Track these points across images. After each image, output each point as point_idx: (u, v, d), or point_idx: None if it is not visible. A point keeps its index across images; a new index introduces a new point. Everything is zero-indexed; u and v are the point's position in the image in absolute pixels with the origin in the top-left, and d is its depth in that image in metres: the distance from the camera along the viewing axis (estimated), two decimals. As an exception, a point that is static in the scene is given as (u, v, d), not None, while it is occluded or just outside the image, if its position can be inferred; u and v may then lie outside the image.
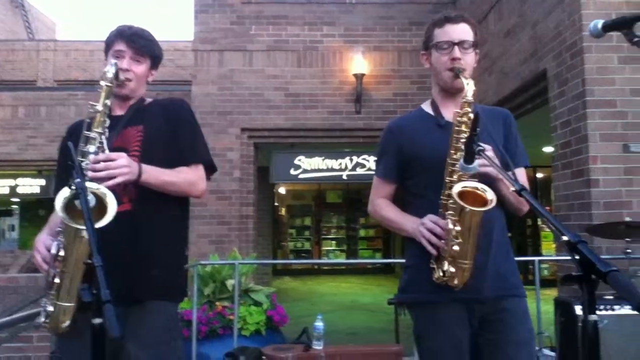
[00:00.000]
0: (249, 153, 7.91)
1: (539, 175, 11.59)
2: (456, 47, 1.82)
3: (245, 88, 7.84)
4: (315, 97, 7.80)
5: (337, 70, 7.86)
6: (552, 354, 3.47)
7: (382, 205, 1.98)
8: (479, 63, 6.81)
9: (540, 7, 5.57)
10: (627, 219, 3.71)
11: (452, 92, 1.86)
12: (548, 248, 11.75)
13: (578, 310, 2.76)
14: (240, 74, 7.88)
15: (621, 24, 1.59)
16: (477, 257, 1.69)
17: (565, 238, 1.19)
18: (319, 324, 4.44)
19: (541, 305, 4.80)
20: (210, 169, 2.10)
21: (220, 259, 6.09)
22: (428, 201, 1.77)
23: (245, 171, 7.80)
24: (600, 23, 1.62)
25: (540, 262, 4.98)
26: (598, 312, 2.76)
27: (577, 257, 1.15)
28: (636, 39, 1.55)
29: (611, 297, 2.93)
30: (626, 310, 2.81)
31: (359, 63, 7.64)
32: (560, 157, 5.17)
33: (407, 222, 1.84)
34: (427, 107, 1.97)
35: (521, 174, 1.89)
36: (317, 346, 4.36)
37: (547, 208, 6.18)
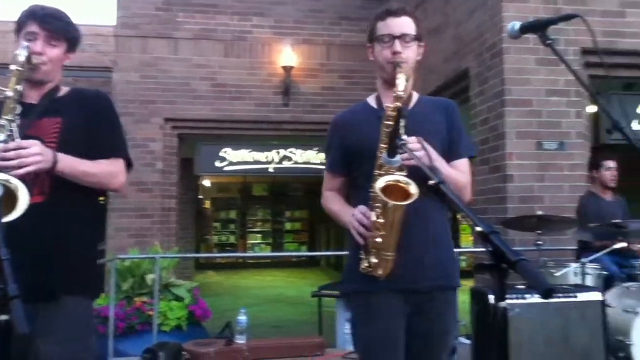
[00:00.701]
0: (172, 144, 7.67)
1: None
2: (397, 41, 1.84)
3: (170, 77, 7.59)
4: (243, 88, 7.68)
5: (265, 62, 7.77)
6: (468, 341, 3.60)
7: (329, 197, 2.01)
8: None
9: (463, 8, 5.75)
10: (539, 212, 3.89)
11: (393, 84, 1.86)
12: (466, 240, 12.21)
13: (492, 299, 2.86)
14: (165, 62, 7.62)
15: (536, 27, 1.66)
16: (410, 247, 1.72)
17: (478, 229, 1.23)
18: (242, 317, 4.39)
19: (459, 295, 4.98)
20: (128, 165, 2.03)
21: (140, 253, 5.87)
22: (364, 193, 1.77)
23: (168, 162, 7.57)
24: (517, 25, 1.69)
25: (459, 253, 5.15)
26: (510, 301, 2.88)
27: (489, 247, 1.20)
28: (549, 42, 1.62)
29: (522, 286, 3.06)
30: (536, 298, 2.95)
31: (288, 55, 7.59)
32: (479, 153, 5.37)
33: (345, 214, 1.85)
34: (371, 100, 1.99)
35: (463, 164, 1.92)
36: (240, 340, 4.31)
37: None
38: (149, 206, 7.32)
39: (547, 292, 1.08)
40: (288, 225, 15.93)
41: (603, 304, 3.13)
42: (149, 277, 5.25)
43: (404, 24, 1.86)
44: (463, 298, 4.91)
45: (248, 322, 4.43)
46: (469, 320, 3.38)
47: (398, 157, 1.62)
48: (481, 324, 2.92)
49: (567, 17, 1.71)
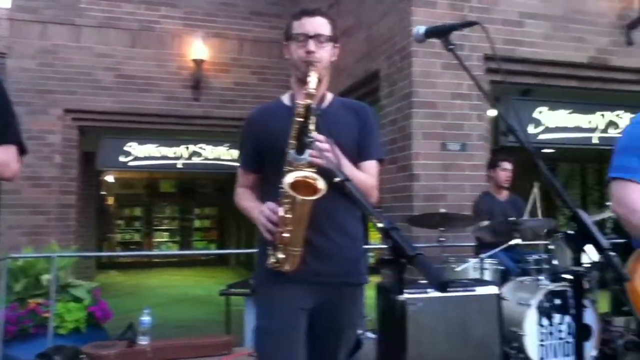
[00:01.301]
0: (72, 137, 7.24)
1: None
2: (311, 40, 1.85)
3: (71, 66, 7.15)
4: (150, 80, 7.39)
5: (175, 54, 7.53)
6: (374, 336, 3.67)
7: (241, 194, 1.99)
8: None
9: (375, 11, 5.87)
10: (442, 210, 4.04)
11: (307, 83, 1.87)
12: (374, 237, 12.50)
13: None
14: (65, 50, 7.17)
15: (440, 32, 1.72)
16: (319, 242, 1.74)
17: (380, 225, 1.29)
18: (146, 318, 4.23)
19: (366, 291, 5.08)
20: (21, 152, 1.92)
21: (35, 252, 5.49)
22: (275, 189, 1.76)
23: (68, 156, 7.14)
24: (422, 29, 1.75)
25: (367, 250, 5.24)
26: (413, 295, 2.95)
27: (390, 242, 1.25)
28: (451, 47, 1.68)
29: (425, 281, 3.16)
30: (438, 292, 3.05)
31: (198, 48, 7.40)
32: (388, 152, 5.50)
33: (255, 210, 1.84)
34: (285, 98, 1.99)
35: (372, 166, 1.95)
36: (143, 341, 4.15)
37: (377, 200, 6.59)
38: (45, 202, 6.87)
39: (441, 286, 1.14)
40: (197, 223, 15.56)
41: (499, 297, 3.30)
42: (45, 278, 4.92)
43: (319, 25, 1.88)
44: (370, 293, 5.04)
45: (152, 322, 4.27)
46: (375, 315, 3.45)
47: (306, 154, 1.64)
48: (386, 318, 2.99)
49: (468, 24, 1.78)
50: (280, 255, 1.71)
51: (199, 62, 7.37)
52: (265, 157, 1.90)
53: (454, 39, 1.71)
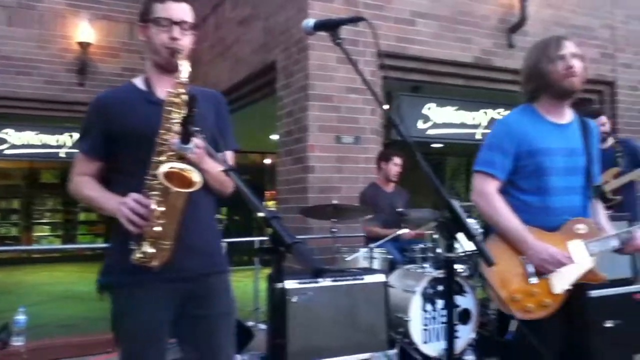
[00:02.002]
0: (-63, 120, 6.58)
1: (267, 161, 12.23)
2: (176, 27, 1.78)
3: (-63, 42, 6.48)
4: (30, 62, 6.87)
5: (58, 36, 7.05)
6: (265, 327, 3.67)
7: (83, 183, 1.83)
8: (214, 48, 6.81)
9: (272, 1, 5.83)
10: (335, 201, 4.11)
11: (168, 70, 1.80)
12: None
13: (287, 284, 2.95)
14: None
15: (328, 26, 1.73)
16: (183, 235, 1.68)
17: (260, 214, 1.29)
18: (21, 317, 3.94)
19: (260, 283, 5.08)
20: None
21: None
22: (135, 179, 1.68)
23: None
24: (312, 22, 1.75)
25: (261, 242, 5.24)
26: (304, 285, 2.98)
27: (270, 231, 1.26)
28: (338, 41, 1.70)
29: (325, 271, 3.21)
30: (328, 282, 3.12)
31: (84, 31, 6.98)
32: (284, 144, 5.52)
33: (110, 201, 1.73)
34: (139, 82, 1.88)
35: (230, 157, 1.94)
36: (18, 342, 3.86)
37: (274, 192, 6.57)
38: None
39: (317, 272, 1.16)
40: (82, 216, 14.61)
41: (386, 285, 3.42)
42: None
43: (184, 11, 1.82)
44: (263, 285, 5.05)
45: (30, 322, 3.98)
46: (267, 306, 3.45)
47: (192, 144, 1.59)
48: (276, 308, 2.99)
49: (355, 20, 1.80)
50: (150, 250, 1.63)
51: (84, 45, 6.95)
52: (119, 145, 1.78)
53: (350, 35, 1.74)
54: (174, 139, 1.61)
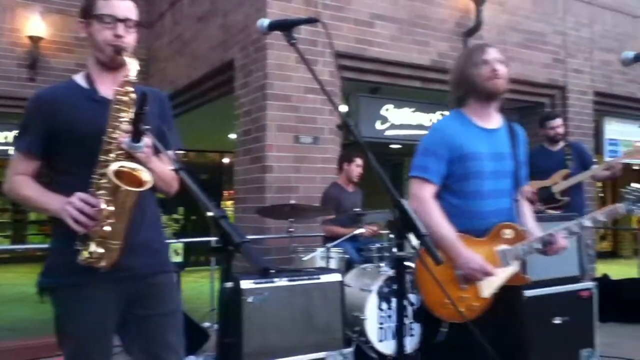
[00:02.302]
0: None
1: (226, 160, 12.13)
2: (120, 24, 1.75)
3: None
4: (-23, 56, 6.62)
5: (7, 29, 6.80)
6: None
7: (21, 182, 1.77)
8: (172, 44, 6.66)
9: (231, -2, 5.78)
10: (292, 201, 4.12)
11: (111, 67, 1.79)
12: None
13: (243, 284, 2.94)
14: None
15: (283, 26, 1.74)
16: (130, 235, 1.66)
17: (209, 214, 1.30)
18: (-36, 320, 3.78)
19: (216, 284, 5.03)
20: None
21: None
22: (78, 178, 1.65)
23: None
24: (266, 22, 1.76)
25: (217, 241, 5.19)
26: (259, 285, 2.96)
27: (219, 231, 1.28)
28: (293, 41, 1.71)
29: (272, 270, 3.21)
30: (284, 281, 3.12)
31: (36, 24, 6.75)
32: (242, 144, 5.48)
33: (52, 201, 1.68)
34: (80, 79, 1.84)
35: (174, 156, 1.92)
36: (-39, 346, 3.70)
37: (232, 191, 6.51)
38: None
39: (264, 271, 1.16)
40: (32, 216, 14.18)
41: (342, 284, 3.45)
42: None
43: (128, 8, 1.79)
44: (219, 285, 5.01)
45: (-27, 325, 3.84)
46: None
47: (142, 143, 1.59)
48: (232, 308, 2.98)
49: (310, 21, 1.82)
50: (99, 250, 1.61)
51: (36, 40, 6.73)
52: (61, 144, 1.74)
53: (309, 35, 1.75)
54: (124, 138, 1.60)
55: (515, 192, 2.25)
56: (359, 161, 4.82)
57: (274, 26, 1.77)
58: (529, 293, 3.23)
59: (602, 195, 12.90)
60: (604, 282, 5.41)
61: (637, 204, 2.12)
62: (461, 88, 2.24)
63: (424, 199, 2.14)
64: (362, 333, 3.61)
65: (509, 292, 2.16)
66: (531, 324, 3.19)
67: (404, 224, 1.48)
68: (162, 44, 7.35)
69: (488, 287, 2.09)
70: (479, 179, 2.15)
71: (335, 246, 4.06)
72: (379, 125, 6.52)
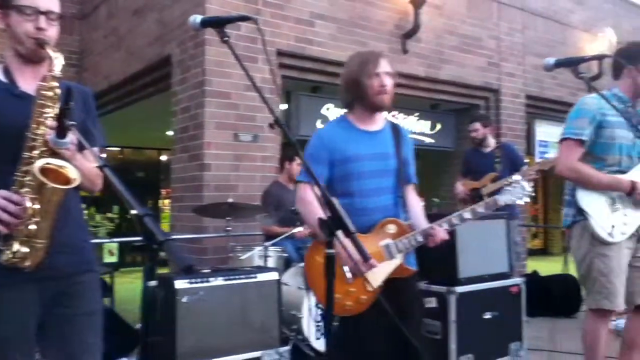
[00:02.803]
0: None
1: (164, 157, 11.86)
2: (42, 17, 1.68)
3: None
4: None
5: None
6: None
7: None
8: (106, 38, 6.42)
9: (168, -8, 5.66)
10: (230, 200, 4.07)
11: (32, 61, 1.72)
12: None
13: (177, 284, 2.89)
14: None
15: (215, 23, 1.74)
16: (58, 234, 1.62)
17: (133, 212, 1.28)
18: None
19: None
20: None
21: None
22: (3, 175, 1.58)
23: None
24: (199, 18, 1.74)
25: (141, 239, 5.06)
26: (195, 285, 2.92)
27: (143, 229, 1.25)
28: (226, 38, 1.70)
29: (207, 270, 3.17)
30: (220, 281, 3.08)
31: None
32: (179, 141, 5.38)
33: None
34: None
35: (95, 154, 1.87)
36: None
37: (170, 190, 6.37)
38: None
39: (186, 269, 1.16)
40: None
41: (279, 283, 3.44)
42: None
43: (51, 0, 1.72)
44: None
45: None
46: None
47: (67, 139, 1.54)
48: (165, 307, 2.92)
49: (243, 19, 1.82)
50: (23, 249, 1.55)
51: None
52: None
53: (249, 32, 1.73)
54: (49, 134, 1.55)
55: (400, 188, 2.38)
56: (298, 160, 4.80)
57: (206, 23, 1.76)
58: (460, 289, 3.34)
59: (533, 194, 13.46)
60: (533, 278, 5.65)
61: (517, 195, 2.25)
62: (350, 94, 2.37)
63: (307, 200, 2.26)
64: (299, 331, 3.62)
65: (399, 284, 2.27)
66: (463, 319, 3.34)
67: (334, 222, 1.49)
68: (97, 37, 7.10)
69: (374, 280, 2.19)
70: (361, 179, 2.29)
71: (273, 245, 4.05)
72: (319, 125, 6.55)
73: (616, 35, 8.24)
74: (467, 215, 2.30)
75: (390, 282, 2.26)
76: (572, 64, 2.44)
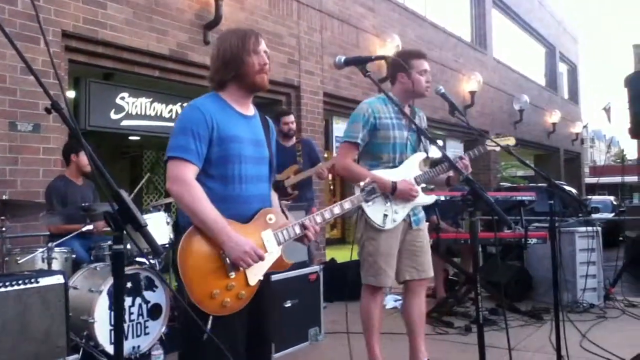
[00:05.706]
0: None
1: None
2: None
3: None
4: None
5: None
6: None
7: None
8: None
9: None
10: (5, 197, 3.57)
11: None
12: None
13: None
14: None
15: None
16: None
17: None
18: None
19: None
20: None
21: None
22: None
23: None
24: None
25: None
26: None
27: None
28: None
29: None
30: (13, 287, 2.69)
31: None
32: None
33: None
34: None
35: None
36: None
37: None
38: None
39: None
40: None
41: (66, 287, 3.11)
42: None
43: None
44: None
45: None
46: None
47: None
48: None
49: None
50: None
51: None
52: None
53: (27, 9, 1.48)
54: None
55: (271, 178, 2.28)
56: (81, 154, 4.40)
57: None
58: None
59: (332, 187, 14.34)
60: (331, 265, 5.97)
61: (371, 196, 2.32)
62: (228, 71, 2.11)
63: (186, 181, 1.96)
64: (91, 337, 3.33)
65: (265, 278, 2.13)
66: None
67: (122, 216, 1.37)
68: None
69: (255, 274, 2.02)
70: (241, 163, 2.07)
71: (58, 245, 3.66)
72: (113, 115, 6.13)
73: (402, 42, 9.10)
74: (336, 210, 2.21)
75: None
76: (359, 62, 2.60)
